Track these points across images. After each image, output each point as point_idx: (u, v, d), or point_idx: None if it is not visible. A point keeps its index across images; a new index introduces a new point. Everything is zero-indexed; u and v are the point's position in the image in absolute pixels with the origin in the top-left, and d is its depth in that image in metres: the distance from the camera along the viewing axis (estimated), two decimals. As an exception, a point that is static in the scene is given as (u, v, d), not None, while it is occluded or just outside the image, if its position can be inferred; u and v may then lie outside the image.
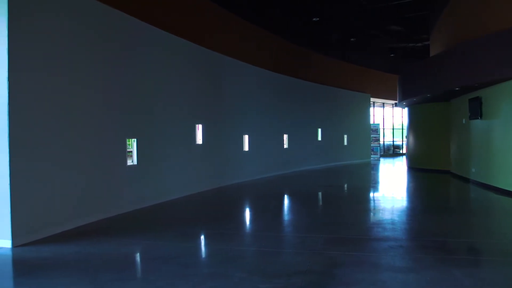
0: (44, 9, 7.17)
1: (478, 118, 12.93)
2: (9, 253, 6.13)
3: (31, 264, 5.62)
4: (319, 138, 22.02)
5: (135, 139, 9.52)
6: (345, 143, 24.69)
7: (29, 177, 6.70)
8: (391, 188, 14.56)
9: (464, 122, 14.75)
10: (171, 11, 11.66)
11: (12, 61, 6.38)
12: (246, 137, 15.28)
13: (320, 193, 13.03)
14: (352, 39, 23.40)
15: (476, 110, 12.95)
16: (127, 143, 9.38)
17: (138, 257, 6.30)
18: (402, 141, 33.85)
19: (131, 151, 9.57)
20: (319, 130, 21.96)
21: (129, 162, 9.46)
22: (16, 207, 6.39)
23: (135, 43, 9.64)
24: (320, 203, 11.58)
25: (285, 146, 18.70)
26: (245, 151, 15.26)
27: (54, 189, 7.21)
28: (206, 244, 7.07)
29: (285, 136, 18.65)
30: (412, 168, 20.19)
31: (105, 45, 8.68)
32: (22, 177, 6.52)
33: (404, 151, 29.37)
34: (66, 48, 7.60)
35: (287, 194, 12.76)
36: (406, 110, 21.92)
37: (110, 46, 8.83)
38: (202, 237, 7.49)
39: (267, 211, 9.85)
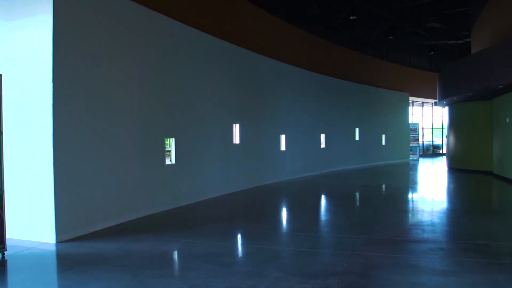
0: (89, 12, 7.41)
1: (523, 117, 12.51)
2: (53, 248, 6.37)
3: (73, 259, 5.82)
4: (357, 138, 21.77)
5: (174, 139, 9.67)
6: (383, 143, 24.30)
7: (72, 176, 6.94)
8: (431, 189, 14.24)
9: (508, 121, 14.28)
10: (210, 13, 11.78)
11: (56, 63, 6.62)
12: (283, 137, 15.27)
13: (357, 193, 12.91)
14: (390, 37, 23.04)
15: (521, 109, 12.54)
16: (166, 142, 9.54)
17: (176, 254, 6.42)
18: (442, 141, 33.05)
19: (169, 151, 9.73)
20: (357, 129, 21.71)
21: (168, 161, 9.62)
22: (60, 205, 6.63)
23: (174, 45, 9.81)
24: (358, 203, 11.46)
25: (322, 145, 18.58)
26: (282, 150, 15.26)
27: (96, 187, 7.43)
28: (243, 243, 7.13)
29: (322, 136, 18.53)
30: (453, 169, 19.71)
31: (146, 47, 8.88)
32: (65, 176, 6.76)
33: (444, 151, 28.69)
34: (108, 51, 7.83)
35: (324, 194, 12.69)
36: (446, 109, 21.41)
37: (151, 48, 9.03)
38: (239, 236, 7.55)
39: (304, 211, 9.83)
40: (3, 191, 5.80)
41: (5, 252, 5.80)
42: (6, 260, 5.71)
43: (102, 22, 7.73)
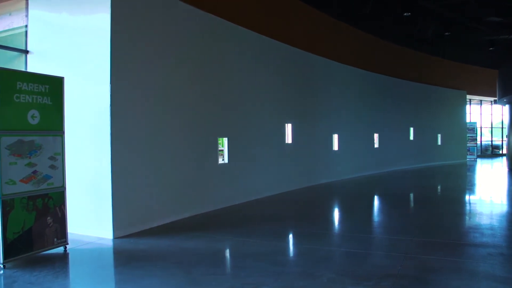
0: (144, 14, 7.65)
1: None
2: (110, 244, 6.64)
3: (129, 255, 6.04)
4: (411, 138, 21.22)
5: (226, 138, 9.79)
6: (439, 142, 23.57)
7: (129, 175, 7.18)
8: (490, 191, 13.64)
9: None
10: (262, 12, 11.82)
11: (113, 66, 6.87)
12: (335, 136, 15.12)
13: (412, 194, 12.59)
14: (446, 33, 22.28)
15: None
16: (219, 142, 9.67)
17: (229, 253, 6.50)
18: (502, 140, 31.68)
19: (222, 150, 9.85)
20: (411, 129, 21.16)
21: (221, 161, 9.75)
22: (117, 203, 6.88)
23: (228, 45, 9.93)
24: (412, 204, 11.18)
25: (376, 145, 18.25)
26: (334, 150, 15.12)
27: (151, 186, 7.65)
28: (295, 243, 7.13)
29: (376, 135, 18.20)
30: (514, 170, 18.85)
31: (199, 47, 9.03)
32: (122, 175, 7.00)
33: (504, 151, 27.46)
34: (163, 52, 8.04)
35: (377, 195, 12.46)
36: (507, 107, 20.50)
37: (203, 48, 9.16)
38: (291, 236, 7.55)
39: (357, 212, 9.71)
40: (64, 188, 6.09)
41: (66, 245, 6.10)
42: (68, 253, 6.02)
43: (157, 24, 7.95)
